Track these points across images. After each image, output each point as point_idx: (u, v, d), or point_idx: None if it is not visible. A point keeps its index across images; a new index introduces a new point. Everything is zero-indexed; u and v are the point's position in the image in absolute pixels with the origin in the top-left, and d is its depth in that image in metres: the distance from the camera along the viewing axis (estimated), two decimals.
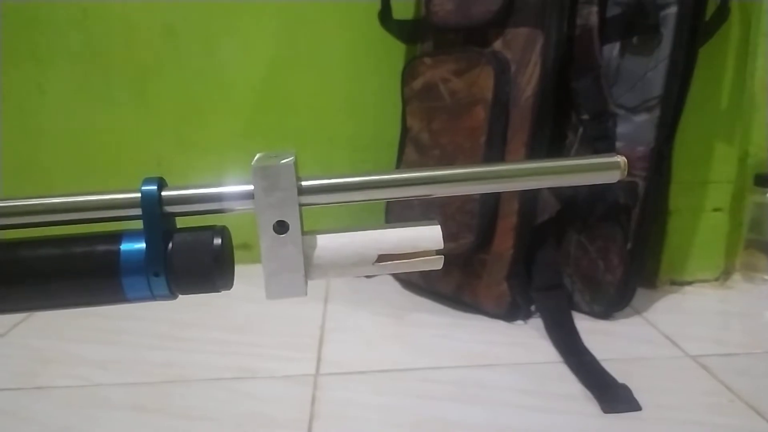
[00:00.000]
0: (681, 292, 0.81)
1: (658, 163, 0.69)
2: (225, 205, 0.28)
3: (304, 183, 0.27)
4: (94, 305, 0.28)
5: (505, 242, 0.70)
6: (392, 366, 0.62)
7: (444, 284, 0.76)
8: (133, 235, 0.27)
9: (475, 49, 0.70)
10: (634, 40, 0.69)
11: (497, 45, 0.70)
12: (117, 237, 0.27)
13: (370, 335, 0.70)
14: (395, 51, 0.90)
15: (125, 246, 0.27)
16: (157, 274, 0.27)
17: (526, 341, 0.67)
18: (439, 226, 0.29)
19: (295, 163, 0.27)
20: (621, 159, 0.28)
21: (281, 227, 0.27)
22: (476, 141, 0.69)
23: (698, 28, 0.68)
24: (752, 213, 0.84)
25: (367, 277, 0.89)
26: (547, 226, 0.72)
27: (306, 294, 0.28)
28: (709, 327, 0.71)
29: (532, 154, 0.68)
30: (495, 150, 0.68)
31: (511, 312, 0.71)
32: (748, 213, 0.84)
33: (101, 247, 0.27)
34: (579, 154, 0.72)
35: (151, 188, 0.27)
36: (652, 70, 0.68)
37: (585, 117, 0.71)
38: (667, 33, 0.66)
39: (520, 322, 0.71)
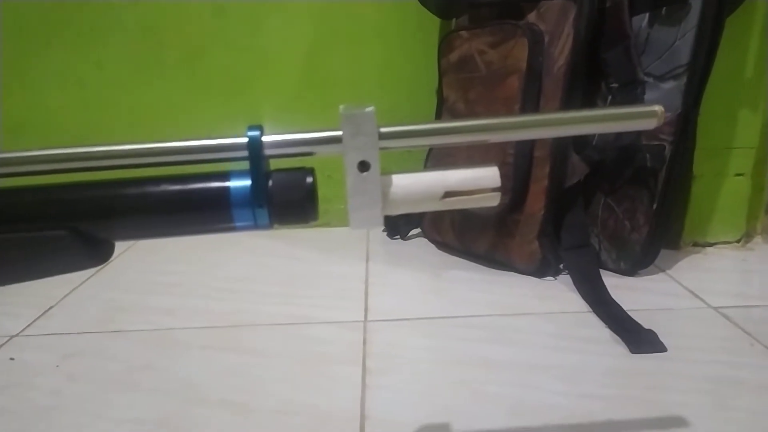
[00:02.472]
0: (703, 253, 0.85)
1: (685, 128, 0.72)
2: (315, 148, 0.33)
3: (383, 129, 0.32)
4: (207, 233, 0.34)
5: (536, 204, 0.75)
6: (433, 314, 0.68)
7: (478, 244, 0.81)
8: (239, 173, 0.33)
9: (510, 22, 0.74)
10: (663, 11, 0.72)
11: (531, 17, 0.74)
12: (226, 175, 0.33)
13: (411, 289, 0.76)
14: (428, 26, 0.94)
15: (234, 182, 0.32)
16: (261, 206, 0.32)
17: (557, 294, 0.72)
18: (496, 168, 0.34)
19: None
20: (658, 107, 0.33)
21: (363, 167, 0.32)
22: (511, 109, 0.73)
23: None
24: None
25: (404, 239, 0.94)
26: (576, 189, 0.77)
27: (382, 225, 0.34)
28: (729, 283, 0.75)
29: None
30: None
31: (542, 269, 0.76)
32: None
33: (214, 184, 0.32)
34: None
35: (255, 134, 0.32)
36: (680, 39, 0.71)
37: (614, 85, 0.75)
38: (695, 4, 0.70)
39: (549, 278, 0.76)
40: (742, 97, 0.81)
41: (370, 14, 0.95)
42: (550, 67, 0.72)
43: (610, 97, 0.76)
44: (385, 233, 0.96)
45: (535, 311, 0.67)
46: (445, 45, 0.83)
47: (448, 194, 0.34)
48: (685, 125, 0.72)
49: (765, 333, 0.60)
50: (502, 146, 0.74)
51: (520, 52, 0.72)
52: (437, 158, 0.84)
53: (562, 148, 0.74)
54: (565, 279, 0.75)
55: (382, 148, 0.32)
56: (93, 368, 0.58)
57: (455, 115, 0.81)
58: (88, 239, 0.32)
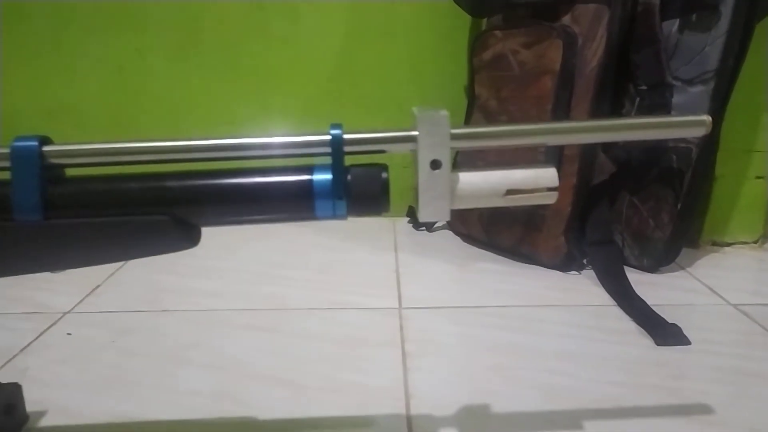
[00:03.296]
0: (722, 252, 0.88)
1: (711, 132, 0.75)
2: (390, 146, 0.36)
3: (454, 131, 0.35)
4: (289, 221, 0.37)
5: (564, 200, 0.78)
6: (464, 304, 0.71)
7: (504, 237, 0.84)
8: (321, 168, 0.36)
9: (545, 24, 0.77)
10: (693, 17, 0.75)
11: (566, 20, 0.76)
12: (309, 169, 0.36)
13: (440, 279, 0.79)
14: (459, 24, 0.97)
15: (316, 176, 0.35)
16: (340, 198, 0.35)
17: (582, 288, 0.75)
18: (554, 168, 0.37)
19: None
20: (707, 117, 0.36)
21: (435, 165, 0.35)
22: (543, 108, 0.76)
23: (756, 3, 0.73)
24: None
25: (429, 230, 0.98)
26: (602, 187, 0.79)
27: (449, 218, 0.37)
28: (747, 282, 0.79)
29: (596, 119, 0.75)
30: (559, 117, 0.75)
31: (567, 263, 0.79)
32: None
33: (298, 177, 0.36)
34: None
35: (338, 132, 0.35)
36: (710, 45, 0.74)
37: (643, 87, 0.78)
38: (726, 11, 0.72)
39: (574, 272, 0.79)
40: (764, 102, 0.84)
41: (403, 11, 0.98)
42: (582, 68, 0.75)
43: (638, 99, 0.79)
44: (411, 224, 1.00)
45: (562, 303, 0.70)
46: (478, 44, 0.85)
47: (510, 192, 0.37)
48: (711, 129, 0.75)
49: None
50: (535, 148, 0.76)
51: (554, 53, 0.75)
52: (468, 154, 0.87)
53: (590, 147, 0.77)
54: (588, 273, 0.78)
55: (453, 148, 0.35)
56: (147, 344, 0.61)
57: (487, 113, 0.84)
58: (184, 224, 0.35)
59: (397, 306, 0.70)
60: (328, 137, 0.35)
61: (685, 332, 0.62)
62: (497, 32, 0.82)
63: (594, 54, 0.74)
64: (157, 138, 0.36)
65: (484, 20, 0.91)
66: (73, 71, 1.00)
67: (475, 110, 0.87)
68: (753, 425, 0.47)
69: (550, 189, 0.37)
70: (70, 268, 0.36)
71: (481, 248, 0.88)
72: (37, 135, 0.35)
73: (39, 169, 0.34)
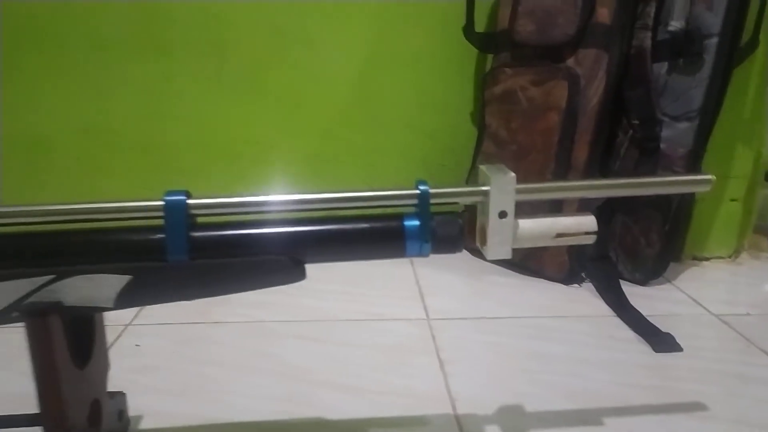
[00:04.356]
0: (701, 266, 0.99)
1: (695, 162, 0.86)
2: (464, 199, 0.45)
3: (518, 186, 0.44)
4: (381, 258, 0.45)
5: None
6: (484, 314, 0.80)
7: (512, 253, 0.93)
8: (410, 216, 0.44)
9: (552, 65, 0.86)
10: (680, 62, 0.85)
11: (570, 62, 0.86)
12: (400, 217, 0.44)
13: (458, 291, 0.88)
14: (467, 54, 1.06)
15: (407, 222, 0.44)
16: (426, 241, 0.44)
17: (584, 300, 0.85)
18: (593, 216, 0.46)
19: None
20: (712, 177, 0.45)
21: (502, 215, 0.44)
22: (549, 140, 0.86)
23: (733, 54, 0.84)
24: (761, 203, 1.02)
25: None
26: (599, 210, 0.89)
27: (510, 256, 0.46)
28: (725, 293, 0.90)
29: (594, 151, 0.86)
30: (565, 148, 0.85)
31: (569, 277, 0.89)
32: (757, 203, 1.02)
33: (392, 223, 0.44)
34: (628, 152, 0.89)
35: (425, 188, 0.44)
36: (695, 87, 0.84)
37: (635, 121, 0.88)
38: (709, 58, 0.83)
39: (575, 285, 0.89)
40: (739, 134, 0.96)
41: (415, 41, 1.06)
42: (585, 105, 0.85)
43: (630, 132, 0.89)
44: None
45: (569, 314, 0.80)
46: (489, 78, 0.95)
47: (559, 235, 0.46)
48: (695, 160, 0.86)
49: (758, 336, 0.74)
50: (543, 174, 0.86)
51: (560, 91, 0.85)
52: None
53: (590, 176, 0.86)
54: (588, 286, 0.89)
55: (517, 201, 0.44)
56: (212, 353, 0.69)
57: (497, 141, 0.93)
58: (298, 263, 0.43)
59: (425, 317, 0.79)
60: (417, 191, 0.44)
61: (677, 340, 0.72)
62: (507, 69, 0.92)
63: (595, 93, 0.84)
64: (275, 193, 0.44)
65: (493, 55, 1.00)
66: (104, 94, 1.05)
67: (485, 138, 0.96)
68: (740, 418, 0.57)
69: (588, 233, 0.47)
70: (206, 297, 0.44)
71: (490, 262, 0.98)
72: (183, 190, 0.42)
73: (186, 219, 0.42)
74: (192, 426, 0.56)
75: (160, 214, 0.41)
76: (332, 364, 0.67)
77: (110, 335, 0.71)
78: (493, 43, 0.98)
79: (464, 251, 1.02)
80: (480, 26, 1.01)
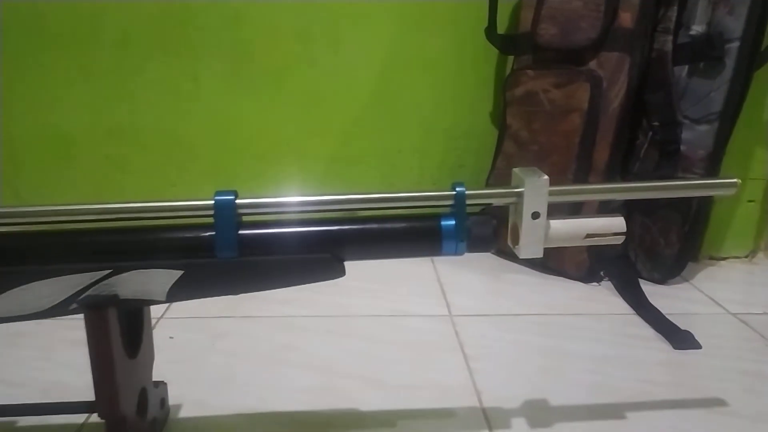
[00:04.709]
0: (718, 266, 1.01)
1: (714, 164, 0.87)
2: (499, 200, 0.47)
3: (551, 188, 0.46)
4: (419, 256, 0.47)
5: None
6: (505, 311, 0.82)
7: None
8: (446, 216, 0.46)
9: (574, 68, 0.88)
10: (701, 65, 0.87)
11: (592, 65, 0.87)
12: (437, 217, 0.46)
13: (479, 289, 0.90)
14: (490, 56, 1.08)
15: (443, 222, 0.46)
16: (462, 240, 0.46)
17: (603, 298, 0.86)
18: (622, 218, 0.48)
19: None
20: (737, 180, 0.47)
21: (535, 216, 0.46)
22: (571, 141, 0.87)
23: (754, 58, 0.85)
24: None
25: None
26: (618, 210, 0.91)
27: (541, 256, 0.48)
28: (742, 293, 0.91)
29: (615, 153, 0.87)
30: (586, 149, 0.87)
31: (589, 276, 0.91)
32: None
33: (429, 223, 0.46)
34: (648, 154, 0.91)
35: (462, 189, 0.46)
36: (715, 90, 0.86)
37: (656, 124, 0.89)
38: (729, 62, 0.84)
39: (594, 284, 0.91)
40: (758, 137, 0.97)
41: (435, 42, 1.08)
42: (606, 107, 0.86)
43: (650, 134, 0.91)
44: None
45: (589, 312, 0.82)
46: (511, 80, 0.96)
47: (589, 236, 0.48)
48: (714, 162, 0.87)
49: None
50: (564, 175, 0.87)
51: (582, 93, 0.86)
52: (499, 178, 0.98)
53: (611, 177, 0.88)
54: (607, 285, 0.90)
55: (549, 202, 0.46)
56: (244, 346, 0.71)
57: (518, 142, 0.95)
58: (339, 260, 0.46)
59: (448, 313, 0.81)
60: (454, 192, 0.46)
61: (695, 338, 0.74)
62: (529, 71, 0.93)
63: (616, 95, 0.86)
64: (319, 193, 0.46)
65: (512, 57, 1.02)
66: (129, 93, 1.07)
67: (506, 139, 0.98)
68: (759, 415, 0.59)
69: (617, 234, 0.48)
70: (251, 292, 0.46)
71: (509, 260, 0.99)
72: (232, 190, 0.44)
73: (234, 218, 0.44)
74: (228, 415, 0.58)
75: (210, 212, 0.44)
76: (359, 358, 0.69)
77: None
78: (514, 45, 0.99)
79: None
80: (501, 28, 1.02)
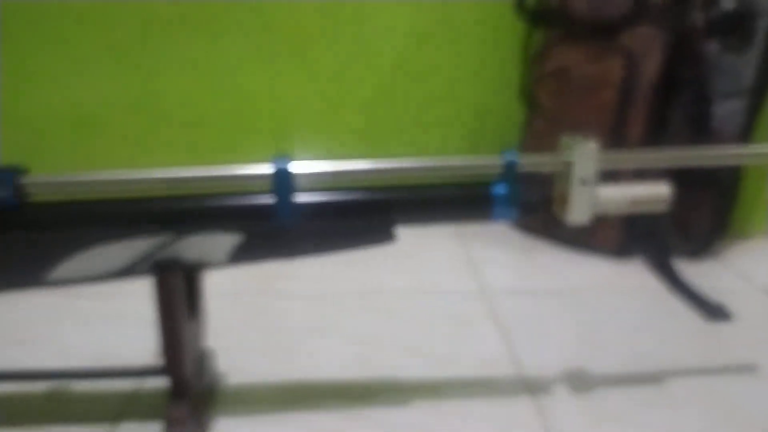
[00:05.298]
0: (747, 242, 1.01)
1: (744, 138, 0.87)
2: (549, 167, 0.48)
3: (600, 155, 0.47)
4: (470, 222, 0.49)
5: None
6: (539, 287, 0.83)
7: (562, 229, 0.96)
8: (498, 183, 0.47)
9: (607, 42, 0.88)
10: (732, 40, 0.87)
11: (625, 39, 0.87)
12: (489, 185, 0.47)
13: (510, 266, 0.91)
14: (517, 30, 1.07)
15: (495, 190, 0.47)
16: (512, 206, 0.47)
17: (636, 273, 0.87)
18: (667, 185, 0.49)
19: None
20: None
21: (584, 182, 0.47)
22: (603, 116, 0.88)
23: None
24: None
25: None
26: None
27: (588, 222, 0.48)
28: None
29: (648, 128, 0.87)
30: (619, 124, 0.87)
31: (620, 252, 0.91)
32: None
33: (481, 190, 0.47)
34: (679, 128, 0.91)
35: (513, 158, 0.47)
36: (746, 66, 0.85)
37: (688, 99, 0.90)
38: (760, 38, 0.84)
39: (626, 259, 0.92)
40: None
41: (461, 14, 1.07)
42: (639, 82, 0.87)
43: (681, 108, 0.91)
44: None
45: (622, 286, 0.83)
46: (541, 54, 0.97)
47: (635, 202, 0.49)
48: (744, 136, 0.87)
49: None
50: None
51: (615, 68, 0.87)
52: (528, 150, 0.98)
53: None
54: (638, 260, 0.91)
55: (597, 169, 0.47)
56: (284, 320, 0.73)
57: (549, 117, 0.95)
58: (390, 226, 0.47)
59: (481, 288, 0.82)
60: (505, 160, 0.47)
61: (727, 310, 0.74)
62: (560, 46, 0.93)
63: (650, 70, 0.86)
64: (371, 160, 0.47)
65: (540, 31, 1.02)
66: (152, 71, 1.08)
67: (536, 113, 0.98)
68: None
69: (661, 200, 0.49)
70: (306, 257, 0.47)
71: (539, 238, 1.00)
72: (287, 157, 0.45)
73: (292, 184, 0.45)
74: (273, 382, 0.60)
75: (269, 179, 0.45)
76: (397, 331, 0.70)
77: None
78: (544, 19, 0.99)
79: (512, 227, 1.05)
80: (530, 1, 1.02)
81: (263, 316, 0.74)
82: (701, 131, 0.88)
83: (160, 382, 0.57)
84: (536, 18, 1.01)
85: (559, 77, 0.94)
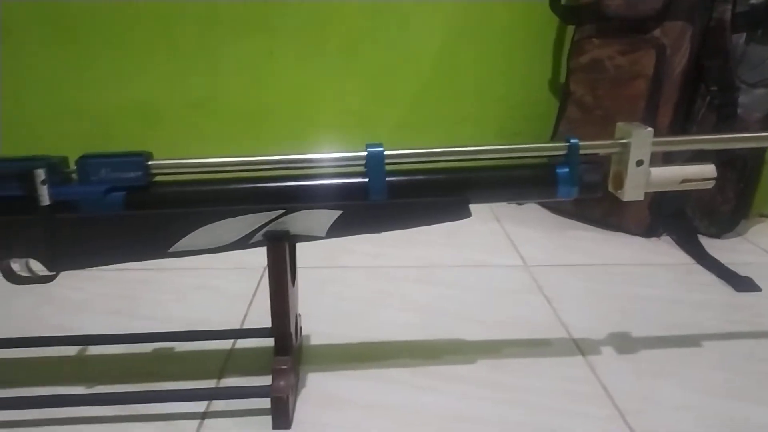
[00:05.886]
0: (766, 223, 1.07)
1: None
2: (607, 150, 0.54)
3: (655, 139, 0.53)
4: (535, 200, 0.55)
5: None
6: (575, 262, 0.90)
7: (593, 210, 1.02)
8: (561, 164, 0.54)
9: (639, 36, 0.94)
10: (759, 32, 0.92)
11: (656, 33, 0.93)
12: (553, 166, 0.54)
13: (547, 243, 0.98)
14: (549, 26, 1.14)
15: (559, 170, 0.53)
16: (574, 185, 0.53)
17: (665, 250, 0.94)
18: (714, 165, 0.55)
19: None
20: None
21: (639, 163, 0.53)
22: (636, 106, 0.94)
23: None
24: None
25: (519, 204, 1.16)
26: None
27: (642, 198, 0.55)
28: None
29: (677, 116, 0.93)
30: (650, 113, 0.93)
31: (649, 231, 0.98)
32: None
33: (546, 170, 0.53)
34: (706, 117, 0.97)
35: (575, 141, 0.53)
36: None
37: (713, 88, 0.95)
38: None
39: (654, 238, 0.98)
40: None
41: (498, 13, 1.14)
42: (669, 73, 0.93)
43: (708, 98, 0.96)
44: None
45: (654, 262, 0.89)
46: (575, 49, 1.03)
47: (684, 181, 0.55)
48: None
49: None
50: None
51: (647, 60, 0.92)
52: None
53: None
54: (666, 239, 0.97)
55: (651, 151, 0.53)
56: (348, 291, 0.80)
57: (582, 107, 1.02)
58: (467, 203, 0.53)
59: (523, 264, 0.89)
60: (568, 143, 0.53)
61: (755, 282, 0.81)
62: (594, 40, 0.99)
63: (679, 62, 0.92)
64: (450, 145, 0.53)
65: (572, 27, 1.08)
66: (212, 68, 1.15)
67: (569, 104, 1.04)
68: None
69: (707, 179, 0.55)
70: (395, 230, 0.54)
71: (569, 218, 1.07)
72: (379, 143, 0.52)
73: (384, 166, 0.51)
74: (347, 343, 0.67)
75: (362, 162, 0.51)
76: (451, 300, 0.77)
77: (254, 276, 0.83)
78: (576, 15, 1.05)
79: (544, 209, 1.12)
80: None
81: (330, 286, 0.81)
82: (727, 119, 0.94)
83: (249, 343, 0.65)
84: (569, 15, 1.06)
85: (593, 69, 1.00)
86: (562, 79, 1.12)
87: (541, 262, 0.90)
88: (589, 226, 1.04)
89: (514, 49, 1.16)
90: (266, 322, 0.65)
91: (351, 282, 0.83)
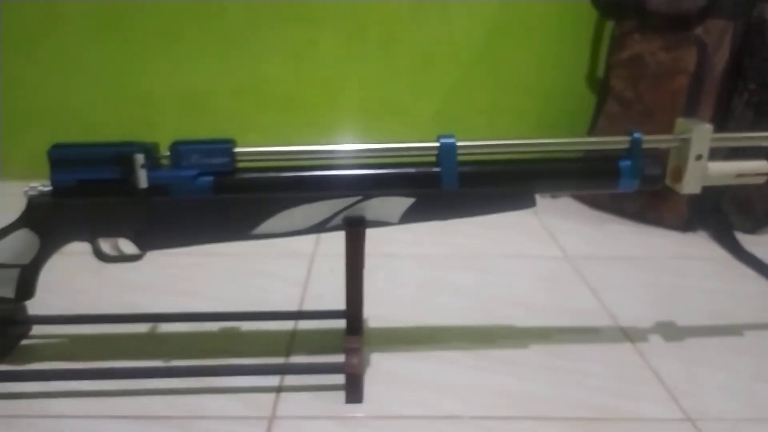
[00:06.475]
0: None
1: None
2: (668, 144, 0.56)
3: (713, 135, 0.55)
4: (597, 191, 0.58)
5: None
6: (615, 254, 0.92)
7: (630, 204, 1.05)
8: (623, 158, 0.56)
9: (682, 33, 0.96)
10: None
11: (699, 31, 0.95)
12: (616, 158, 0.56)
13: (585, 236, 1.00)
14: (589, 21, 1.15)
15: (622, 163, 0.56)
16: (635, 178, 0.56)
17: (702, 244, 0.96)
18: (766, 161, 0.57)
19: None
20: None
21: (698, 157, 0.56)
22: (677, 100, 0.96)
23: None
24: None
25: (554, 197, 1.18)
26: None
27: (699, 191, 0.57)
28: None
29: (717, 113, 0.95)
30: (691, 108, 0.95)
31: (686, 226, 1.00)
32: None
33: (609, 164, 0.56)
34: (743, 114, 0.99)
35: (638, 136, 0.55)
36: None
37: (752, 86, 0.97)
38: None
39: (691, 233, 1.00)
40: None
41: (537, 9, 1.16)
42: (711, 70, 0.94)
43: (746, 95, 0.98)
44: None
45: (692, 255, 0.92)
46: (616, 44, 1.04)
47: (740, 175, 0.57)
48: None
49: None
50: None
51: (689, 57, 0.94)
52: (601, 134, 1.07)
53: None
54: (703, 234, 0.99)
55: (710, 147, 0.56)
56: (398, 277, 0.83)
57: (622, 102, 1.04)
58: (532, 192, 0.56)
59: (564, 255, 0.91)
60: (631, 138, 0.55)
61: None
62: (636, 36, 1.01)
63: (720, 60, 0.94)
64: (517, 137, 0.56)
65: (614, 22, 1.10)
66: (255, 57, 1.18)
67: (609, 99, 1.06)
68: None
69: (761, 174, 0.58)
70: (464, 218, 0.56)
71: (606, 212, 1.09)
72: (451, 134, 0.54)
73: (456, 157, 0.54)
74: (404, 326, 0.70)
75: (435, 152, 0.54)
76: (499, 287, 0.80)
77: (304, 262, 0.86)
78: (618, 10, 1.07)
79: (580, 202, 1.14)
80: None
81: (381, 272, 0.84)
82: (765, 116, 0.95)
83: (308, 325, 0.69)
84: (611, 10, 1.08)
85: (634, 65, 1.01)
86: (600, 73, 1.14)
87: (581, 253, 0.92)
88: (626, 220, 1.06)
89: (552, 43, 1.18)
90: (322, 305, 0.69)
91: (397, 269, 0.86)
